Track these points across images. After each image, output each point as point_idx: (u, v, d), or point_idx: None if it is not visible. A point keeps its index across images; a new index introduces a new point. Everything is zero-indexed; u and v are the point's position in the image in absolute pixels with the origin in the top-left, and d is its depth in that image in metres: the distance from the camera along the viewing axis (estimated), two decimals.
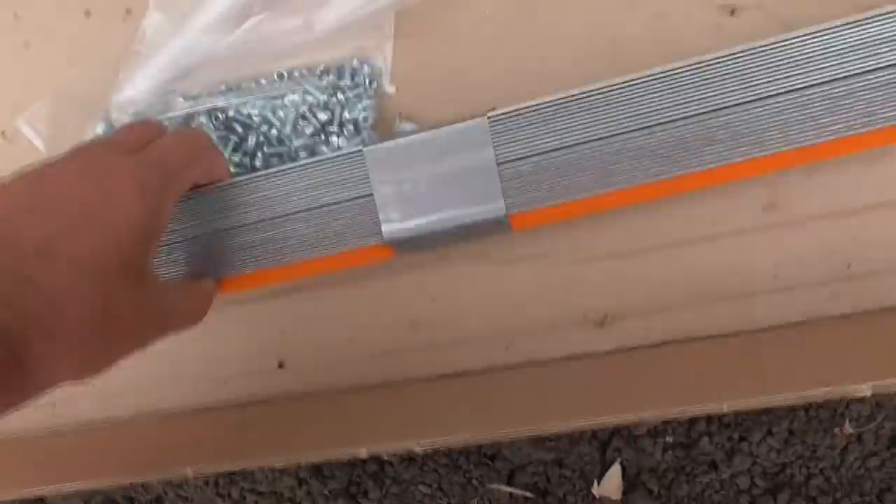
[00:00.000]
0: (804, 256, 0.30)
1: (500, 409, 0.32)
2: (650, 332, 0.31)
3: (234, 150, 0.33)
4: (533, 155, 0.28)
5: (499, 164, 0.28)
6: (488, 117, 0.28)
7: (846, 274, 0.29)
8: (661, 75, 0.27)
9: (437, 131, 0.28)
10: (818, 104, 0.26)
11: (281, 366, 0.36)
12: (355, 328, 0.35)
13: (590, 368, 0.32)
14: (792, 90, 0.26)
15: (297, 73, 0.32)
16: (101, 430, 0.39)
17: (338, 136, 0.31)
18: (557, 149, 0.27)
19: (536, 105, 0.28)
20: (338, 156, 0.29)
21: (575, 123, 0.27)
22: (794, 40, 0.26)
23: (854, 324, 0.30)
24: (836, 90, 0.26)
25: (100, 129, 0.34)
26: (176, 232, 0.31)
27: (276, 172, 0.30)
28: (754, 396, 0.29)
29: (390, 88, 0.32)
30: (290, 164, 0.30)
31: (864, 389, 0.29)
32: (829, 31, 0.26)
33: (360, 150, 0.29)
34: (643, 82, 0.27)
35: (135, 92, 0.33)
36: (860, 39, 0.26)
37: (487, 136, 0.28)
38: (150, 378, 0.37)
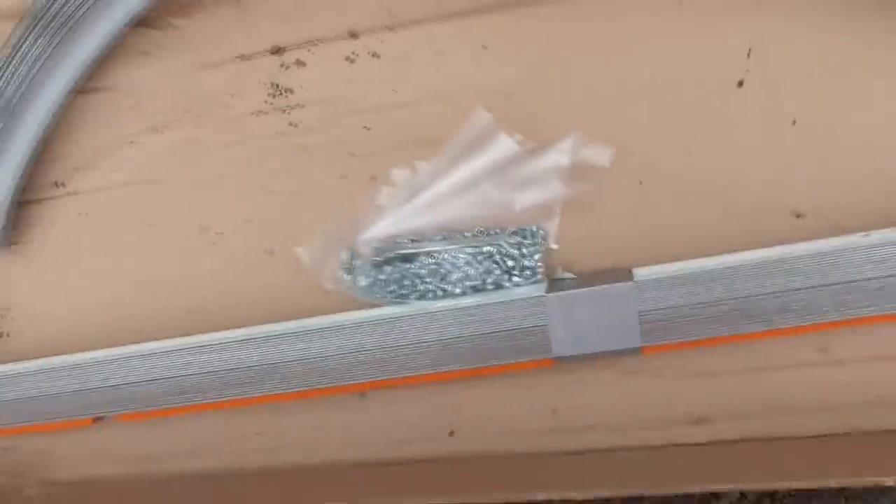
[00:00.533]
0: (846, 387, 0.42)
1: (621, 476, 0.44)
2: (732, 432, 0.44)
3: (441, 280, 0.46)
4: (665, 308, 0.41)
5: (640, 313, 0.42)
6: (634, 281, 0.41)
7: (877, 401, 0.42)
8: (751, 266, 0.40)
9: (599, 288, 0.42)
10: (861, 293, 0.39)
11: (452, 434, 0.49)
12: (508, 412, 0.48)
13: (688, 455, 0.44)
14: (845, 281, 0.40)
15: (493, 231, 0.46)
16: (294, 472, 0.52)
17: (518, 277, 0.45)
18: (685, 305, 0.41)
19: (672, 272, 0.42)
20: (522, 298, 0.43)
21: (699, 290, 0.41)
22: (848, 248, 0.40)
23: (882, 436, 0.42)
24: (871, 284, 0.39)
25: (344, 256, 0.48)
26: None
27: (482, 304, 0.44)
28: (805, 479, 0.41)
29: (555, 245, 0.46)
30: (490, 296, 0.44)
31: (890, 481, 0.41)
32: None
33: (544, 295, 0.42)
34: (742, 268, 0.41)
35: (374, 234, 0.47)
36: None
37: (633, 293, 0.41)
38: (343, 431, 0.51)
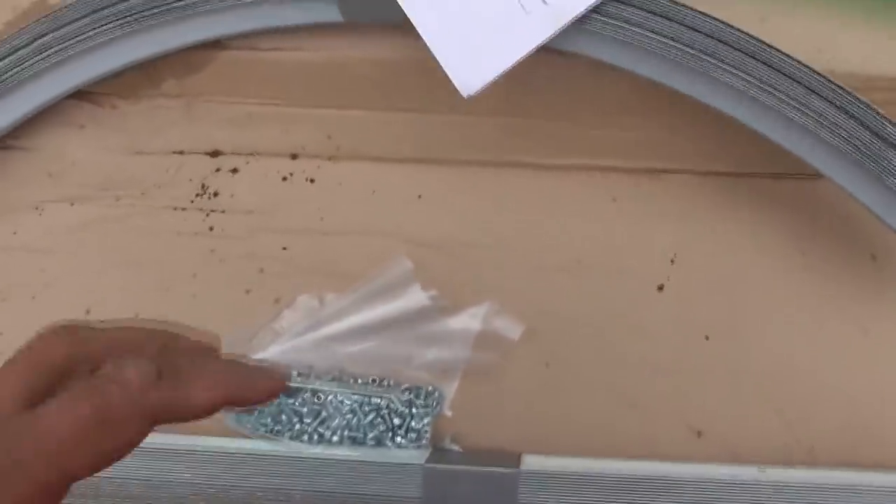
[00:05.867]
0: None
1: None
2: None
3: (320, 423, 0.43)
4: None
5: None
6: (520, 470, 0.39)
7: None
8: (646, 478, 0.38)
9: (484, 469, 0.39)
10: None
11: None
12: None
13: None
14: None
15: (386, 383, 0.43)
16: None
17: (402, 438, 0.42)
18: None
19: (562, 466, 0.39)
20: (401, 463, 0.40)
21: (587, 492, 0.38)
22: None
23: None
24: None
25: None
26: None
27: (357, 460, 0.40)
28: None
29: (448, 412, 0.43)
30: (367, 453, 0.41)
31: None
32: None
33: (423, 465, 0.39)
34: (637, 478, 0.38)
35: (262, 358, 0.44)
36: None
37: (517, 482, 0.39)
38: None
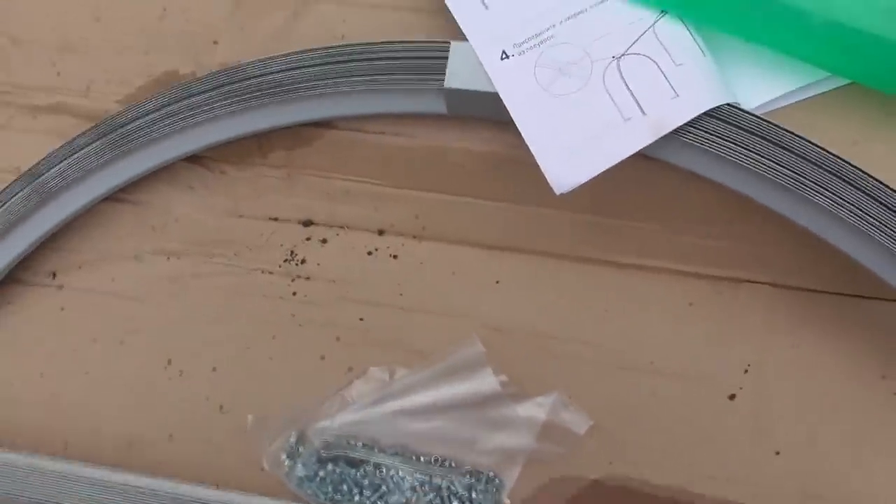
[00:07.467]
0: None
1: None
2: None
3: (380, 497, 0.43)
4: None
5: None
6: None
7: None
8: None
9: None
10: None
11: None
12: None
13: None
14: None
15: (447, 464, 0.43)
16: None
17: None
18: None
19: None
20: None
21: None
22: None
23: None
24: None
25: (292, 439, 0.45)
26: None
27: None
28: None
29: (507, 501, 0.43)
30: None
31: None
32: None
33: None
34: None
35: (329, 426, 0.45)
36: None
37: None
38: None
